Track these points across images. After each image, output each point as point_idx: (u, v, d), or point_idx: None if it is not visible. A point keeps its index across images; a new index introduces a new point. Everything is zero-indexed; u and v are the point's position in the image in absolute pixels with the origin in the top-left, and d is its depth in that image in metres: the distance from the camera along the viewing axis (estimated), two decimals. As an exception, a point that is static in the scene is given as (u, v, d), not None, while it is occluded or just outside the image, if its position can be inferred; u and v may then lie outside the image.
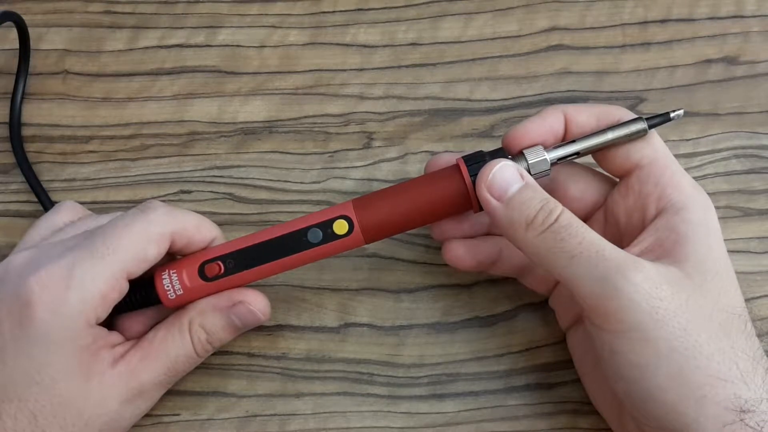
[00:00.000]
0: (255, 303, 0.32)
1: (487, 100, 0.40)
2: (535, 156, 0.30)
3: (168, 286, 0.31)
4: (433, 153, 0.39)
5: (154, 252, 0.30)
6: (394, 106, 0.40)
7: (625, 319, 0.27)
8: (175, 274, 0.31)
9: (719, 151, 0.39)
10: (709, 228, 0.29)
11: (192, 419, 0.34)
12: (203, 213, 0.37)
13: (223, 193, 0.38)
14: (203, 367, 0.35)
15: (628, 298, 0.27)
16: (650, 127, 0.30)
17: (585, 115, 0.31)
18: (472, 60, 0.41)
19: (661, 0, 0.42)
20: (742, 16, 0.41)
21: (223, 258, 0.31)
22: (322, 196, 0.38)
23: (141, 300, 0.32)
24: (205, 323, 0.32)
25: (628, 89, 0.40)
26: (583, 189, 0.33)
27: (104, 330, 0.31)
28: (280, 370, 0.35)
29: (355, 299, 0.36)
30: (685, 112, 0.39)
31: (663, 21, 0.42)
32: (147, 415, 0.34)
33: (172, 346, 0.31)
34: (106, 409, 0.29)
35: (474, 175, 0.30)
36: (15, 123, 0.40)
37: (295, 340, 0.36)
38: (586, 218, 0.33)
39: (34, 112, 0.40)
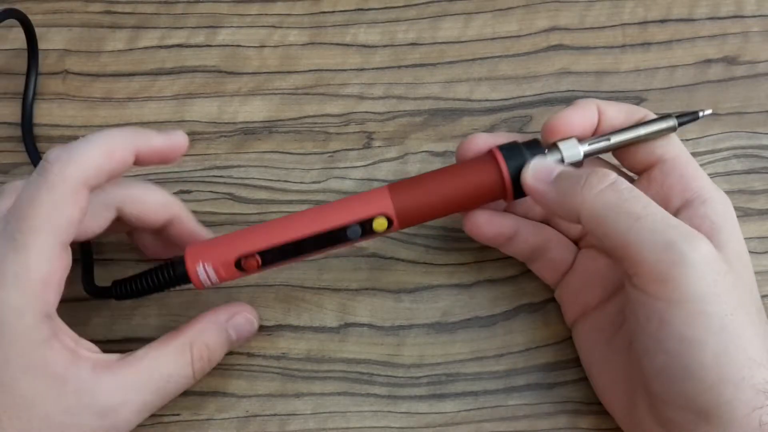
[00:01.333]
0: (251, 312, 0.33)
1: (487, 100, 0.40)
2: (569, 148, 0.31)
3: (204, 278, 0.31)
4: (433, 153, 0.39)
5: (77, 212, 0.28)
6: (394, 106, 0.40)
7: (686, 288, 0.26)
8: (210, 267, 0.31)
9: (719, 151, 0.39)
10: (734, 221, 0.30)
11: (192, 419, 0.34)
12: (203, 213, 0.38)
13: (223, 193, 0.38)
14: (203, 367, 0.35)
15: (693, 266, 0.26)
16: (680, 124, 0.31)
17: (614, 110, 0.32)
18: (472, 60, 0.41)
19: (661, 0, 0.42)
20: (742, 16, 0.41)
21: (261, 253, 0.31)
22: (322, 196, 0.38)
23: (168, 281, 0.31)
24: (208, 341, 0.31)
25: (628, 89, 0.40)
26: None
27: (72, 332, 0.29)
28: (279, 370, 0.35)
29: (355, 299, 0.36)
30: (684, 112, 0.39)
31: (663, 21, 0.42)
32: (147, 415, 0.34)
33: (167, 366, 0.30)
34: (78, 420, 0.28)
35: (510, 164, 0.30)
36: (27, 121, 0.39)
37: (295, 340, 0.36)
38: None
39: (34, 112, 0.40)
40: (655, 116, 0.31)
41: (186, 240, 0.33)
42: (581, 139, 0.31)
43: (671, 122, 0.31)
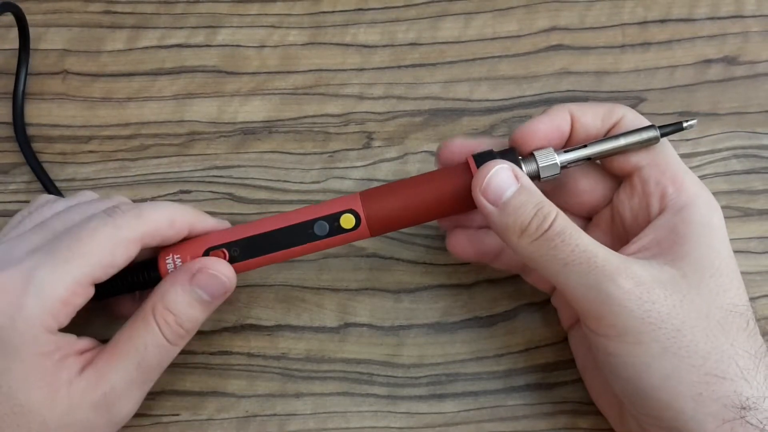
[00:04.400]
0: (215, 266, 0.30)
1: (487, 100, 0.40)
2: (545, 159, 0.30)
3: (171, 270, 0.31)
4: (433, 153, 0.39)
5: (122, 257, 0.30)
6: (393, 106, 0.40)
7: (617, 324, 0.27)
8: (179, 259, 0.31)
9: (719, 151, 0.39)
10: (711, 226, 0.29)
11: (192, 419, 0.34)
12: (203, 213, 0.37)
13: (223, 193, 0.38)
14: (203, 367, 0.35)
15: (619, 304, 0.27)
16: (662, 135, 0.30)
17: (590, 116, 0.31)
18: (472, 60, 0.41)
19: (660, 0, 0.42)
20: (741, 16, 0.41)
21: (228, 245, 0.31)
22: (321, 196, 0.38)
23: (142, 282, 0.32)
24: (168, 304, 0.30)
25: (628, 89, 0.40)
26: (594, 184, 0.33)
27: (71, 337, 0.29)
28: (279, 370, 0.35)
29: (355, 299, 0.36)
30: (684, 112, 0.40)
31: (663, 21, 0.42)
32: (146, 416, 0.34)
33: (138, 338, 0.29)
34: (75, 418, 0.28)
35: None
36: (18, 117, 0.39)
37: (294, 340, 0.35)
38: (593, 213, 0.33)
39: (33, 112, 0.40)
40: (634, 116, 0.31)
41: None
42: (558, 149, 0.31)
43: (653, 133, 0.30)
